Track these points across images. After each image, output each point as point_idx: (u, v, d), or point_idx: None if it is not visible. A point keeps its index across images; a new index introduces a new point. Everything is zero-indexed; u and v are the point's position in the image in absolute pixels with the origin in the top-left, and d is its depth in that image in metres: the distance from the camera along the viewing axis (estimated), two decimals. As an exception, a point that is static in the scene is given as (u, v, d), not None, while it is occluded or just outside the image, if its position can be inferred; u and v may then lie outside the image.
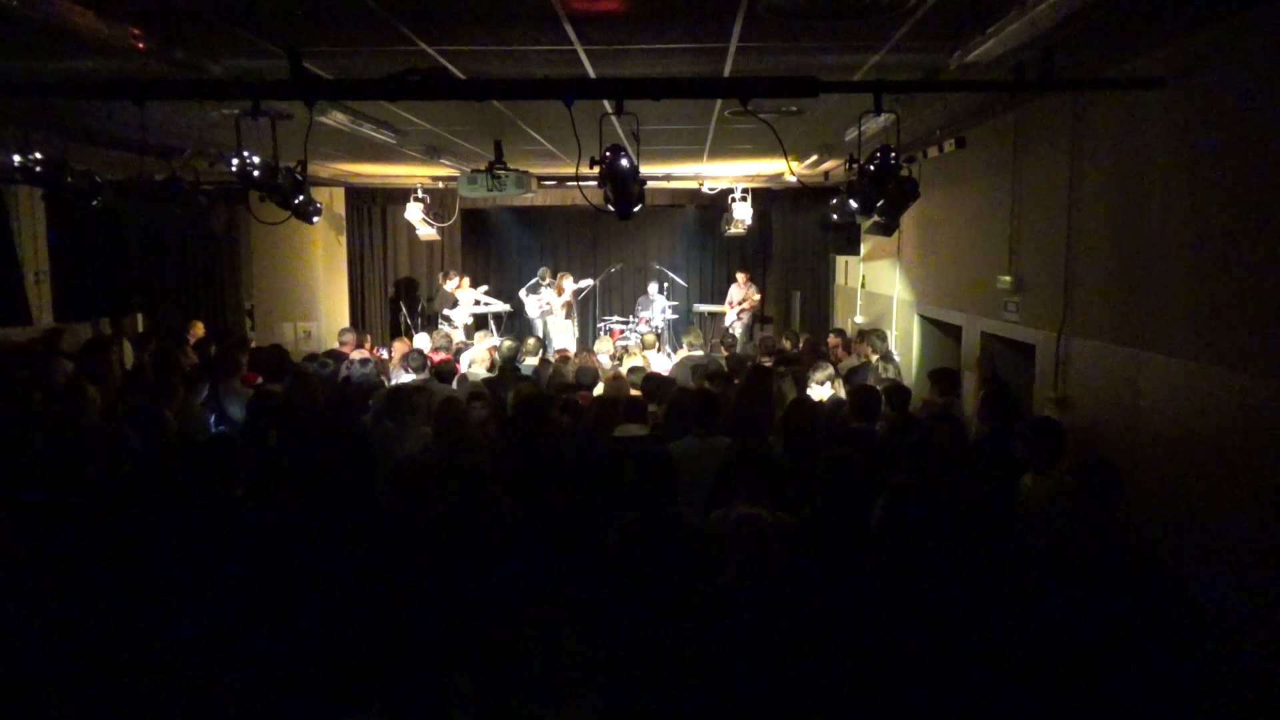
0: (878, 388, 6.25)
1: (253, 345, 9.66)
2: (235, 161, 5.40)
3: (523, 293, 13.59)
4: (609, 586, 3.81)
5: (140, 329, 10.92)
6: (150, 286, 12.06)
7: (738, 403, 5.77)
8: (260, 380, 6.99)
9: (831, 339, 9.42)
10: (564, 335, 13.23)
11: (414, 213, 11.76)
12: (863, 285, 10.99)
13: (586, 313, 14.95)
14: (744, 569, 3.38)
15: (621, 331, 13.43)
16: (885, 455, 4.83)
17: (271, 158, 5.51)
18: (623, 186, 5.02)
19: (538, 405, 5.38)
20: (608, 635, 3.93)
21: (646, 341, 9.78)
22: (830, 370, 6.61)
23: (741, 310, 13.17)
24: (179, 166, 7.71)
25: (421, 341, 10.16)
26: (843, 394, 6.50)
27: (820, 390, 6.48)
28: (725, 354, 8.95)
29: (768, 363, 8.19)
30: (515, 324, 14.19)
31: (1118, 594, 3.32)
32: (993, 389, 5.66)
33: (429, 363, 7.59)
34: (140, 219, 7.71)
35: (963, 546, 3.61)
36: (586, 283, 13.72)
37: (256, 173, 5.46)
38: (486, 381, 7.22)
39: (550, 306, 13.26)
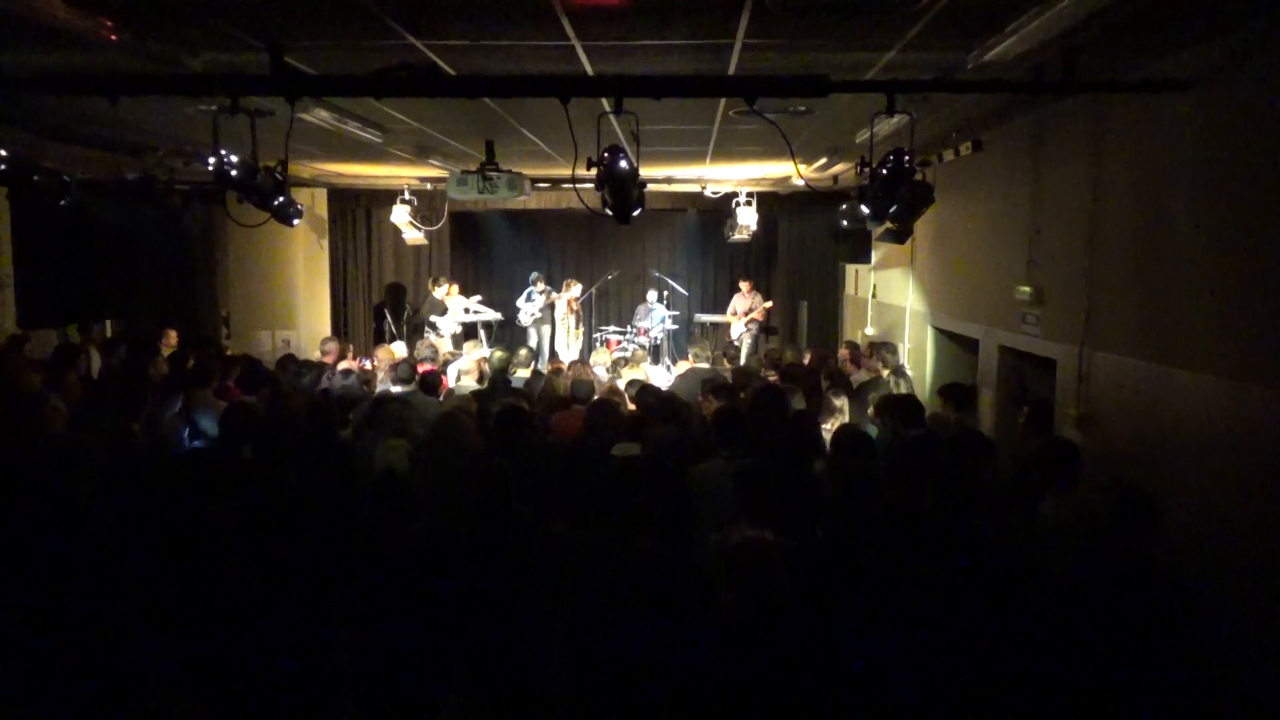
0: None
1: (228, 354, 9.66)
2: (212, 160, 5.40)
3: (520, 300, 13.62)
4: (568, 608, 3.80)
5: (109, 335, 10.92)
6: (121, 292, 12.06)
7: (747, 421, 5.76)
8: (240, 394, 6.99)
9: (842, 351, 9.42)
10: (570, 344, 13.27)
11: (400, 215, 11.77)
12: (874, 295, 11.00)
13: (582, 321, 14.98)
14: (744, 595, 3.37)
15: (619, 342, 13.43)
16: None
17: (250, 157, 5.52)
18: (621, 189, 5.03)
19: (517, 420, 5.36)
20: (574, 656, 3.92)
21: (636, 356, 9.79)
22: (845, 398, 6.59)
23: (750, 321, 13.17)
24: (153, 165, 7.73)
25: (399, 350, 10.16)
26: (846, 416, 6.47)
27: (838, 418, 6.42)
28: (729, 367, 8.95)
29: (772, 377, 8.18)
30: (506, 334, 14.20)
31: (1151, 630, 3.30)
32: (1036, 408, 5.65)
33: (417, 374, 7.59)
34: (111, 220, 7.73)
35: (985, 572, 3.60)
36: (578, 288, 13.75)
37: (234, 172, 5.47)
38: (475, 394, 7.21)
39: (547, 315, 13.28)
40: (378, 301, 13.69)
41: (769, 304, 13.35)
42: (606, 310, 15.59)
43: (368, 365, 9.29)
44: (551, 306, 13.59)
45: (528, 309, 13.47)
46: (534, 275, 13.77)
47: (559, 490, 4.93)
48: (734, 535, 3.59)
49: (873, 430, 5.95)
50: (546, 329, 13.68)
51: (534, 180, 9.50)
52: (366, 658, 3.78)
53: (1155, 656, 3.30)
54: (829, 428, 6.19)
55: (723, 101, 5.96)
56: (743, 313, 13.25)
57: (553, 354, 13.29)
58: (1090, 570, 3.68)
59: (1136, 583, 3.39)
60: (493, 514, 3.91)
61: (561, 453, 5.53)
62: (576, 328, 13.59)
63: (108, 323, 11.42)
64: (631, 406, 6.72)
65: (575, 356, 12.75)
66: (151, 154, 7.79)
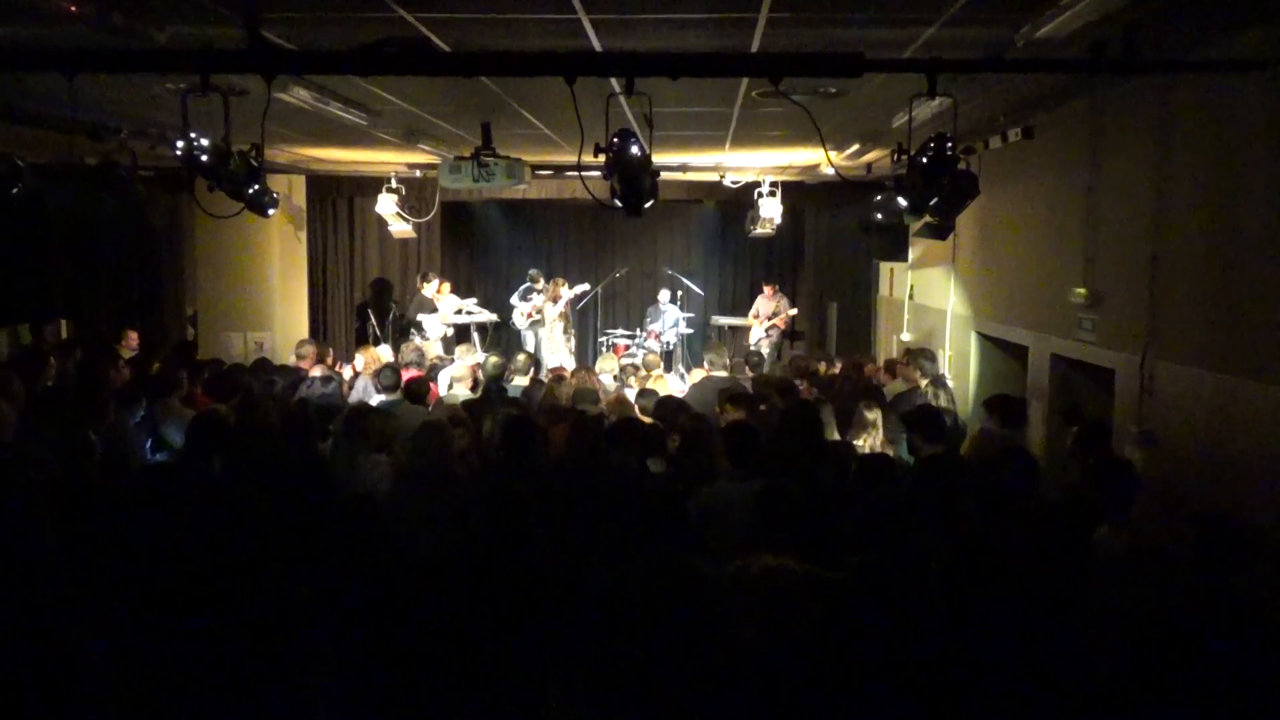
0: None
1: (195, 358, 9.70)
2: (180, 144, 5.43)
3: (514, 298, 13.63)
4: (598, 642, 3.80)
5: (64, 336, 10.98)
6: (77, 288, 12.12)
7: (776, 438, 5.76)
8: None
9: (869, 367, 9.42)
10: (560, 351, 13.25)
11: (386, 205, 11.81)
12: (911, 297, 10.99)
13: (586, 324, 14.95)
14: (763, 630, 3.37)
15: (627, 347, 13.45)
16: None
17: (222, 140, 5.54)
18: (632, 178, 5.04)
19: (525, 433, 5.37)
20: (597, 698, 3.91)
21: (649, 363, 9.78)
22: (879, 411, 6.58)
23: (771, 326, 13.18)
24: (114, 149, 7.76)
25: (383, 353, 10.19)
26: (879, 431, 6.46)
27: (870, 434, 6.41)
28: (751, 376, 8.95)
29: (800, 387, 8.18)
30: (502, 337, 14.22)
31: (1241, 682, 3.27)
32: (1087, 428, 5.65)
33: (401, 381, 7.61)
34: (67, 209, 7.77)
35: (1037, 614, 3.59)
36: (583, 287, 13.75)
37: (205, 157, 5.48)
38: (467, 404, 7.23)
39: (542, 316, 13.27)
40: (360, 300, 13.73)
41: (793, 311, 13.33)
42: (614, 312, 15.60)
43: (348, 371, 9.32)
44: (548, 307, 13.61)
45: (522, 309, 13.48)
46: (532, 272, 13.78)
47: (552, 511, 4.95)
48: (754, 564, 3.60)
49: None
50: (544, 332, 13.71)
51: (535, 168, 9.56)
52: (346, 699, 3.78)
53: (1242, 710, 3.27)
54: (861, 444, 6.20)
55: (745, 82, 5.96)
56: (765, 316, 13.25)
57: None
58: (1164, 611, 3.65)
59: (1222, 626, 3.36)
60: (504, 540, 3.91)
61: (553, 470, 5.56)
62: (566, 331, 13.59)
63: (62, 323, 11.48)
64: (646, 420, 6.72)
65: (560, 363, 12.75)
66: (113, 137, 7.83)
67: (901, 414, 6.20)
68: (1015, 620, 3.55)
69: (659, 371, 9.49)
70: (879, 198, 7.33)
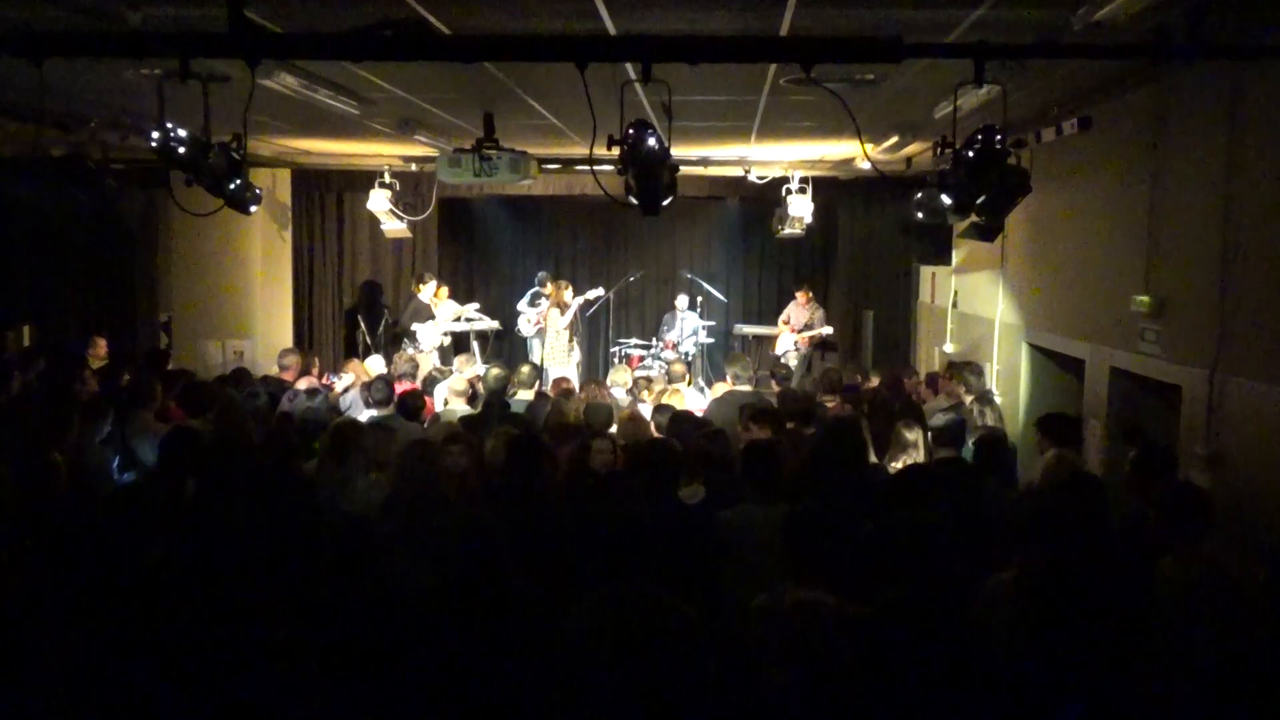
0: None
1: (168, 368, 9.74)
2: (156, 135, 5.47)
3: (522, 304, 13.63)
4: (569, 687, 3.79)
5: (27, 344, 11.04)
6: (42, 291, 12.19)
7: (812, 458, 5.74)
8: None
9: (908, 382, 9.39)
10: (565, 362, 13.25)
11: (379, 202, 11.85)
12: (954, 304, 10.97)
13: (597, 334, 14.94)
14: (796, 671, 3.36)
15: (641, 358, 13.44)
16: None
17: (201, 131, 5.58)
18: (649, 173, 5.05)
19: (533, 453, 5.38)
20: None
21: (675, 374, 9.76)
22: (919, 431, 6.55)
23: (800, 339, 13.12)
24: (84, 140, 7.83)
25: (375, 365, 10.21)
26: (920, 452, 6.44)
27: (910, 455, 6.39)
28: (777, 389, 8.93)
29: (831, 403, 8.16)
30: (505, 347, 14.23)
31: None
32: (1148, 450, 5.62)
33: (395, 395, 7.63)
34: (32, 205, 7.82)
35: (1097, 653, 3.57)
36: (596, 292, 13.75)
37: (182, 149, 5.53)
38: (466, 420, 7.23)
39: (545, 323, 13.27)
40: (350, 306, 13.77)
41: (827, 330, 13.17)
42: (627, 320, 15.58)
43: (337, 385, 9.35)
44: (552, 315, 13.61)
45: (530, 316, 13.49)
46: (541, 275, 13.78)
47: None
48: (784, 598, 3.58)
49: None
50: (548, 342, 13.69)
51: (541, 161, 9.57)
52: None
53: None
54: (900, 467, 6.18)
55: (772, 68, 5.97)
56: (798, 325, 13.19)
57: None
58: (1239, 651, 3.63)
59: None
60: (479, 580, 3.91)
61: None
62: (571, 340, 13.58)
63: (25, 329, 11.55)
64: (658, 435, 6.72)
65: (563, 375, 12.74)
66: (83, 127, 7.89)
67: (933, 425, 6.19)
68: (1071, 661, 3.54)
69: (676, 385, 9.47)
70: (920, 195, 7.32)
